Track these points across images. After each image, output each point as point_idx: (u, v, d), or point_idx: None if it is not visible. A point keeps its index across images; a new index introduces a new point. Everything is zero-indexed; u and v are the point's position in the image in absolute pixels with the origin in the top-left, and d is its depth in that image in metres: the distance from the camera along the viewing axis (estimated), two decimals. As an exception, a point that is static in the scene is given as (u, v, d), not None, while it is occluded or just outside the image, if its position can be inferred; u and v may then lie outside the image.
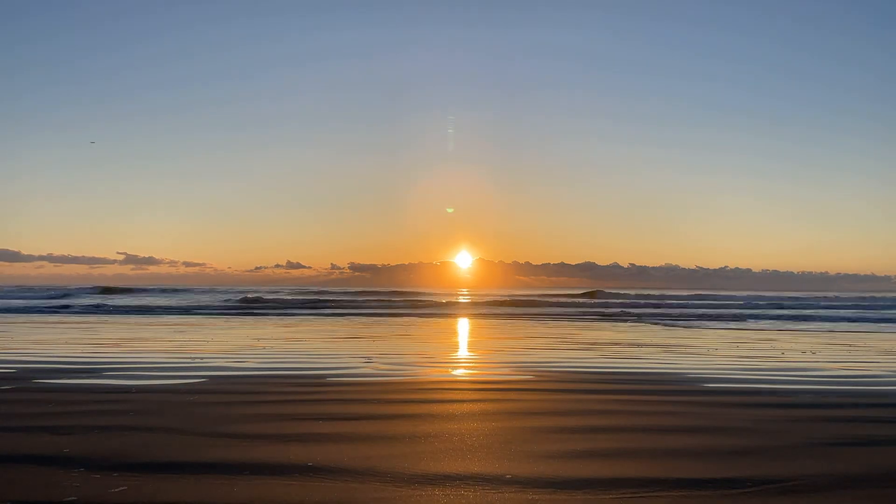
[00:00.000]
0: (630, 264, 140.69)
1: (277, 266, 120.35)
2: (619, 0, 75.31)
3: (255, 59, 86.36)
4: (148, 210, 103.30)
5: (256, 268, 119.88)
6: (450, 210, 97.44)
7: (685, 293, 70.34)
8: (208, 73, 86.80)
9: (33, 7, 71.21)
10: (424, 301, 47.28)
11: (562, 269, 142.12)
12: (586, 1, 76.87)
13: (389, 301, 47.27)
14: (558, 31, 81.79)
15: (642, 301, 50.23)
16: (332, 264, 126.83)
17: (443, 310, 37.47)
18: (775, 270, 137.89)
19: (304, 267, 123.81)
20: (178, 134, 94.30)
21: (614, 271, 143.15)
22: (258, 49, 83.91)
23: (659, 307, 41.70)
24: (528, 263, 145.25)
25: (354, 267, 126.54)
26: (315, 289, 72.17)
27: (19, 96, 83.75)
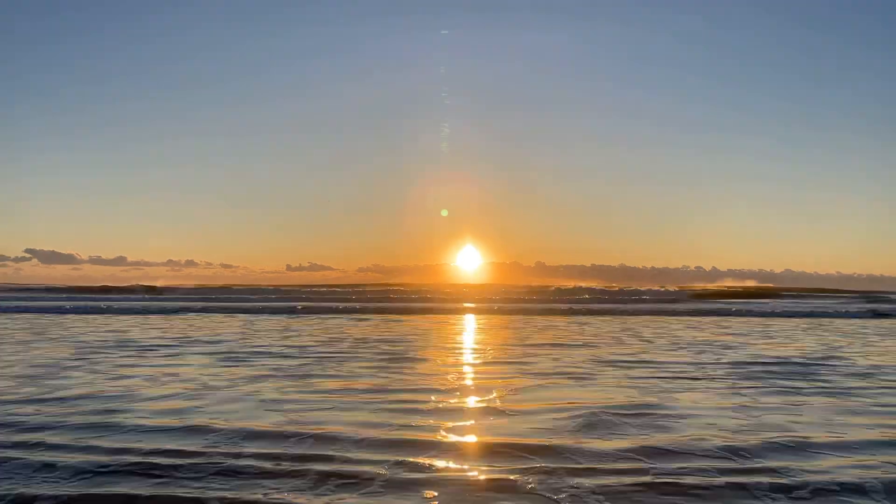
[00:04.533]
0: (651, 266, 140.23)
1: (312, 267, 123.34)
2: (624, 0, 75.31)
3: (275, 66, 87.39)
4: (181, 214, 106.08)
5: (287, 267, 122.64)
6: (444, 213, 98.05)
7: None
8: (229, 83, 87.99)
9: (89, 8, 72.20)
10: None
11: (574, 270, 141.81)
12: (588, 1, 76.88)
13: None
14: (561, 31, 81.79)
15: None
16: (359, 267, 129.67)
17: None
18: (788, 270, 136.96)
19: (328, 269, 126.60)
20: (206, 141, 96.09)
21: (627, 272, 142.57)
22: (277, 56, 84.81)
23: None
24: (540, 264, 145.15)
25: (378, 269, 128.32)
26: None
27: (53, 104, 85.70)
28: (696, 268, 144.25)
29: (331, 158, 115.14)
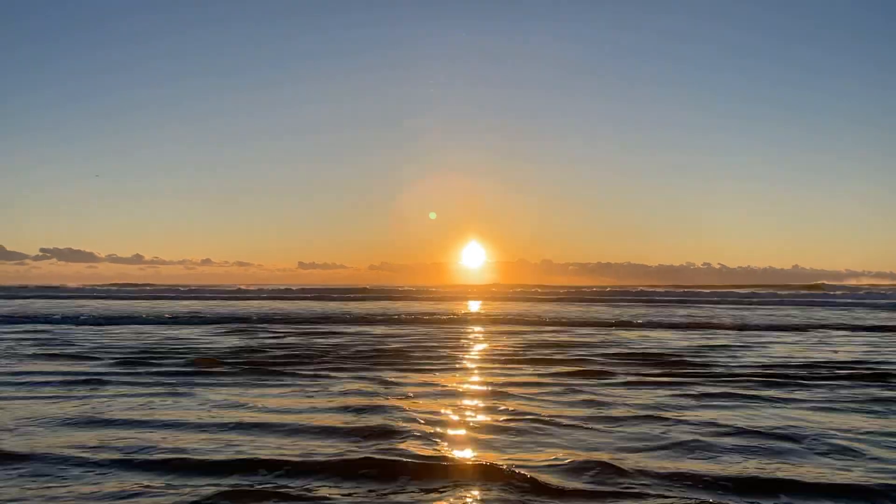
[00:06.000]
0: (658, 264, 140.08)
1: (325, 265, 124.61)
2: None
3: (285, 70, 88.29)
4: (197, 214, 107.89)
5: (300, 265, 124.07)
6: (432, 216, 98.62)
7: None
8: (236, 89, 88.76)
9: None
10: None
11: (581, 268, 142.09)
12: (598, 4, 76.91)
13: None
14: (569, 32, 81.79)
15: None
16: (370, 264, 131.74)
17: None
18: (797, 266, 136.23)
19: (341, 266, 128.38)
20: (221, 143, 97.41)
21: (634, 269, 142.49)
22: (289, 62, 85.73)
23: None
24: (547, 262, 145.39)
25: (388, 266, 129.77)
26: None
27: (68, 108, 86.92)
28: (703, 264, 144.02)
29: (341, 158, 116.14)
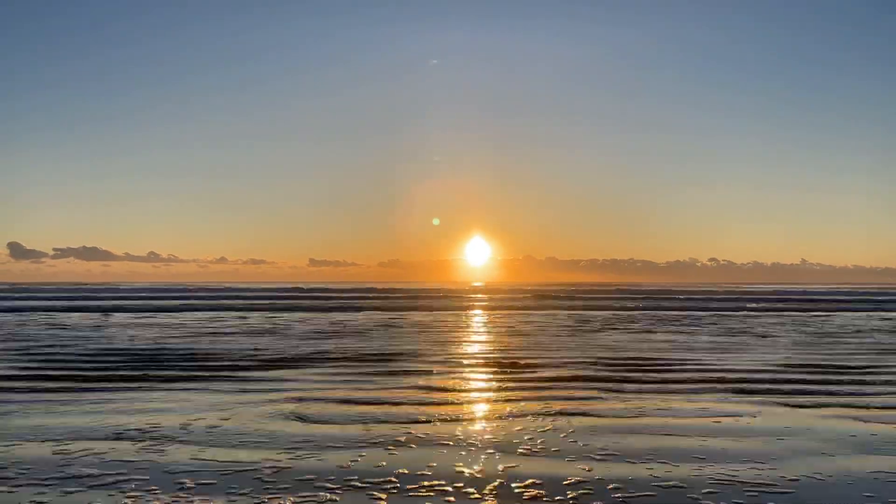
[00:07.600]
0: (665, 261, 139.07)
1: (335, 262, 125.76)
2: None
3: (298, 73, 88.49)
4: (212, 213, 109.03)
5: (311, 262, 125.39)
6: (436, 221, 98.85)
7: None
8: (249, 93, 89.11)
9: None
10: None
11: (587, 265, 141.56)
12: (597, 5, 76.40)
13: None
14: (574, 35, 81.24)
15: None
16: (379, 262, 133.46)
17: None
18: (804, 261, 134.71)
19: (351, 264, 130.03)
20: (237, 144, 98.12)
21: (639, 266, 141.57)
22: (300, 63, 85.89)
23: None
24: (552, 259, 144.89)
25: (397, 264, 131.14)
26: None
27: (81, 107, 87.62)
28: (709, 260, 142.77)
29: (352, 158, 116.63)
